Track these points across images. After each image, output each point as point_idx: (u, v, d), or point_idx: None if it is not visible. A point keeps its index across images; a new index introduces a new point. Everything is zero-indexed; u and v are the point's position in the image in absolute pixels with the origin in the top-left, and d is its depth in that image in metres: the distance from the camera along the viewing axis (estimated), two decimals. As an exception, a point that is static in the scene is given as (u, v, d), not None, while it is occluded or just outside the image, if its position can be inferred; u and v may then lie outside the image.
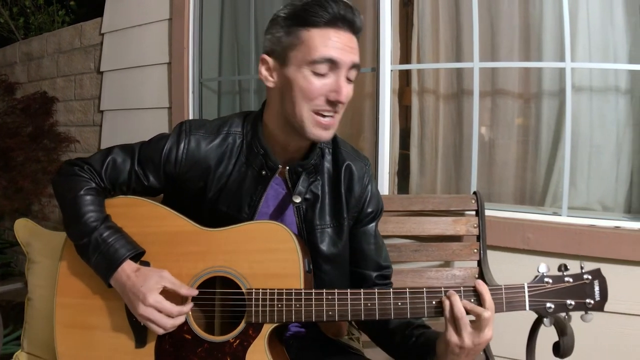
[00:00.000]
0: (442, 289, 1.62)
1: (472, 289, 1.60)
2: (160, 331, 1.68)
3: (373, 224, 2.02)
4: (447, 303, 1.58)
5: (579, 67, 2.98)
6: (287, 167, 1.84)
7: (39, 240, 2.33)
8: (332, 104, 1.68)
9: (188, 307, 1.71)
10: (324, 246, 1.88)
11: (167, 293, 1.69)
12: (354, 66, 1.69)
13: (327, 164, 1.92)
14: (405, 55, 3.54)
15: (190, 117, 4.04)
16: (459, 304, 1.56)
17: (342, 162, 1.92)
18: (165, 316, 1.67)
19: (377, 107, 3.30)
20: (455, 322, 1.56)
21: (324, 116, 1.69)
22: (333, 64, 1.65)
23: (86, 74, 4.94)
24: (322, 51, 1.63)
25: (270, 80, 1.75)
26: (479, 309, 1.55)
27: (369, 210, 1.98)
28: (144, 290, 1.67)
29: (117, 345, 1.80)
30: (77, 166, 1.88)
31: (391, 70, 3.31)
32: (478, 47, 3.10)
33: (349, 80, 1.70)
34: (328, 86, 1.66)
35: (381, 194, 2.10)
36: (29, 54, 5.73)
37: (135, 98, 4.44)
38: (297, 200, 1.82)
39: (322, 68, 1.64)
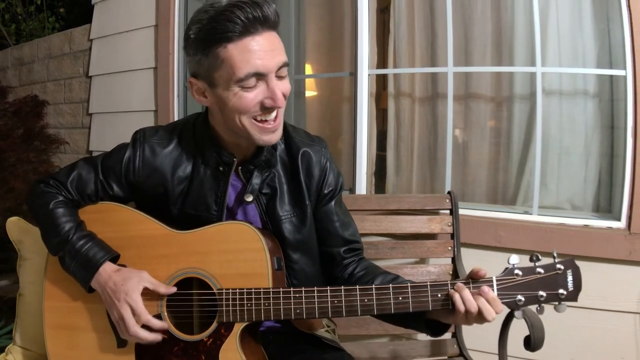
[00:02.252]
0: (409, 285, 1.60)
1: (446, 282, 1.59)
2: (125, 334, 1.69)
3: (332, 202, 1.97)
4: (457, 296, 1.54)
5: (549, 71, 2.98)
6: (240, 167, 1.81)
7: (30, 238, 2.35)
8: (269, 109, 1.63)
9: (160, 322, 1.72)
10: (289, 235, 1.86)
11: (144, 295, 1.70)
12: (284, 65, 1.62)
13: (281, 155, 1.89)
14: (382, 60, 3.52)
15: (176, 119, 4.00)
16: (470, 298, 1.54)
17: (296, 150, 1.89)
18: (135, 322, 1.67)
19: (355, 110, 3.27)
20: (467, 313, 1.54)
21: (265, 120, 1.64)
22: (260, 75, 1.58)
23: (75, 78, 4.88)
24: (245, 68, 1.55)
25: (205, 101, 1.71)
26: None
27: (328, 189, 1.95)
28: (125, 289, 1.68)
29: (101, 345, 1.81)
30: (43, 183, 1.90)
31: (368, 75, 3.27)
32: (452, 52, 3.07)
33: (280, 77, 1.63)
34: (261, 94, 1.60)
35: (359, 193, 2.08)
36: (20, 59, 5.66)
37: (122, 101, 4.39)
38: (249, 199, 1.81)
39: (251, 82, 1.58)
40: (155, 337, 1.70)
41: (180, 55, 4.05)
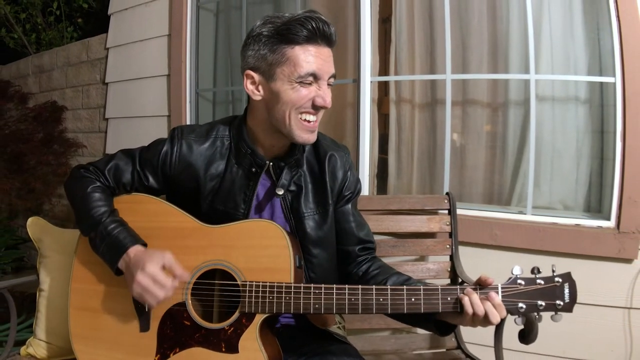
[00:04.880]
0: (422, 288, 1.62)
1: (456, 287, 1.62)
2: (153, 302, 1.68)
3: (349, 204, 2.03)
4: (466, 299, 1.58)
5: (542, 78, 2.98)
6: (271, 163, 1.85)
7: (49, 237, 2.38)
8: (317, 108, 1.73)
9: (186, 275, 1.73)
10: (311, 231, 1.90)
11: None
12: (332, 75, 1.75)
13: (308, 156, 1.95)
14: (383, 67, 3.52)
15: (187, 124, 4.01)
16: (480, 305, 1.57)
17: (324, 153, 1.95)
18: (159, 287, 1.67)
19: (358, 115, 3.28)
20: (474, 316, 1.58)
21: (309, 121, 1.73)
22: (315, 77, 1.70)
23: (92, 85, 4.91)
24: (306, 67, 1.67)
25: (257, 94, 1.76)
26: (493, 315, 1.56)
27: (347, 192, 2.01)
28: (145, 261, 1.69)
29: (124, 328, 1.83)
30: (84, 169, 1.93)
31: (371, 82, 3.28)
32: (450, 60, 3.08)
33: (328, 85, 1.75)
34: (314, 92, 1.71)
35: (361, 194, 2.10)
36: (40, 67, 5.70)
37: (137, 107, 4.41)
38: (280, 192, 1.84)
39: (308, 80, 1.69)
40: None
41: (191, 63, 4.07)
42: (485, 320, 1.57)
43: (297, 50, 1.67)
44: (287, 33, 1.66)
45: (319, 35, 1.68)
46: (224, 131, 1.93)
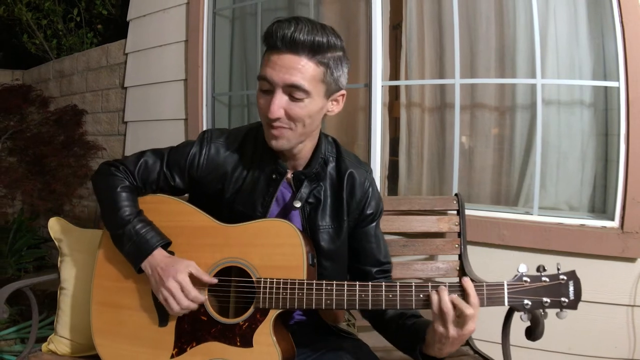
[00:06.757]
0: (430, 284, 1.61)
1: (458, 285, 1.58)
2: (176, 308, 1.73)
3: (373, 225, 2.01)
4: (435, 298, 1.56)
5: (548, 83, 2.99)
6: (292, 175, 1.86)
7: (70, 237, 2.39)
8: (269, 120, 1.67)
9: (203, 296, 1.77)
10: (324, 244, 1.89)
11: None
12: (292, 86, 1.63)
13: (331, 171, 1.93)
14: (394, 72, 3.54)
15: (204, 128, 4.04)
16: (447, 299, 1.54)
17: (344, 170, 1.92)
18: (184, 296, 1.73)
19: (370, 118, 3.30)
20: (442, 315, 1.55)
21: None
22: (269, 83, 1.64)
23: (112, 89, 4.95)
24: (261, 71, 1.66)
25: None
26: (463, 305, 1.53)
27: (369, 212, 1.97)
28: (175, 269, 1.74)
29: (143, 323, 1.86)
30: (113, 166, 1.95)
31: (382, 86, 3.30)
32: (459, 65, 3.10)
33: (293, 98, 1.65)
34: (267, 104, 1.66)
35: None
36: (61, 72, 5.74)
37: (155, 110, 4.45)
38: (297, 205, 1.85)
39: (264, 85, 1.66)
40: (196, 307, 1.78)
41: (208, 68, 4.10)
42: (459, 321, 1.55)
43: (265, 55, 1.67)
44: (263, 39, 1.67)
45: (281, 39, 1.60)
46: (251, 136, 1.94)
